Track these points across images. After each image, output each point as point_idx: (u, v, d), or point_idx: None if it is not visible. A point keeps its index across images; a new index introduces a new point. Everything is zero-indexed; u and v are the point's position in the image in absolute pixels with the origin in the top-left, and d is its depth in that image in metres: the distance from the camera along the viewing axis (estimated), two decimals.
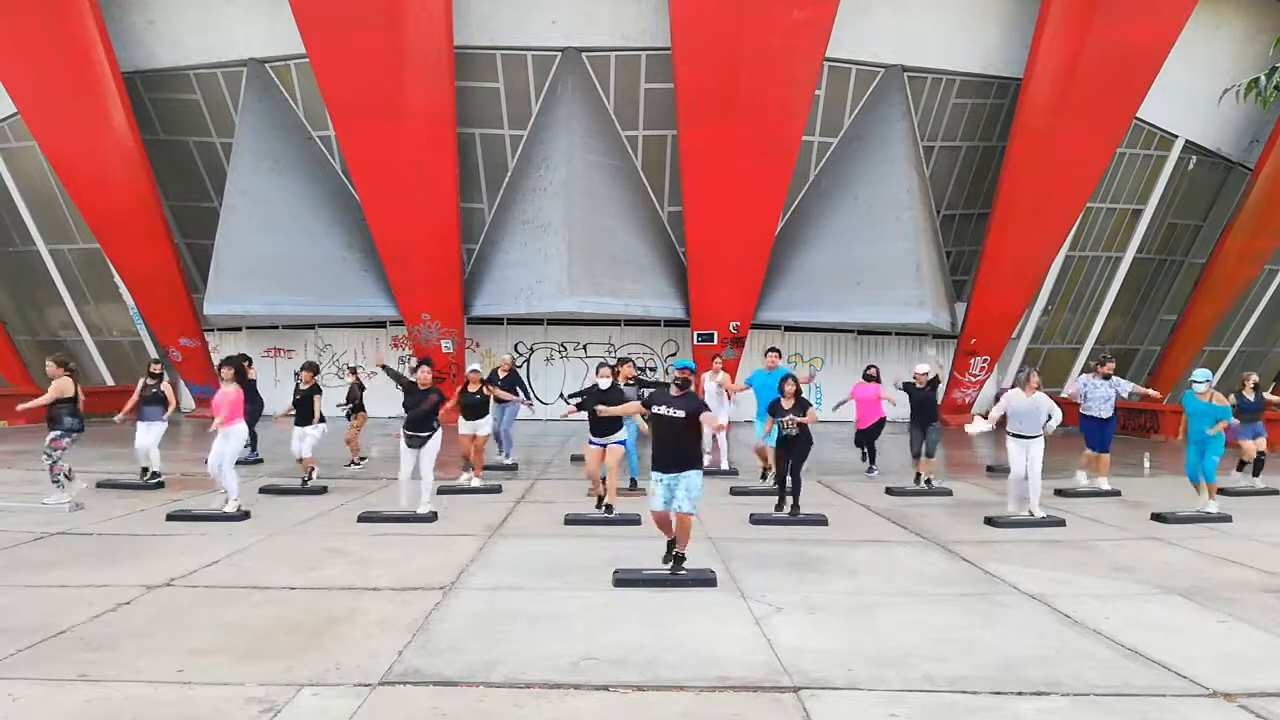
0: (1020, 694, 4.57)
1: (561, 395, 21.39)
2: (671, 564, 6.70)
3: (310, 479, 10.80)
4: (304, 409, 10.87)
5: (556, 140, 18.52)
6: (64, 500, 9.32)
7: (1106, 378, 11.43)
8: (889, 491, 11.00)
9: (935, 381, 11.25)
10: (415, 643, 5.24)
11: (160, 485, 10.83)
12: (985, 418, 9.16)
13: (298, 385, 10.97)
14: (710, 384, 12.51)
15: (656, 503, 6.73)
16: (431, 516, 9.01)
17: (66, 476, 9.47)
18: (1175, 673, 4.87)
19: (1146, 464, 13.07)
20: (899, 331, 21.34)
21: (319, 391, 11.04)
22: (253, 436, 13.82)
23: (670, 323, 20.91)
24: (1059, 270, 20.84)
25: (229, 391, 9.26)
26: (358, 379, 13.39)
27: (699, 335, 19.50)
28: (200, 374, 20.48)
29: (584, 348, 21.60)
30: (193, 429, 18.14)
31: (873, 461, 12.73)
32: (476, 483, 10.92)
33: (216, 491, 9.46)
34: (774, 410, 9.24)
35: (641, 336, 21.57)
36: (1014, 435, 9.19)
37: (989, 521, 9.14)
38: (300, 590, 6.40)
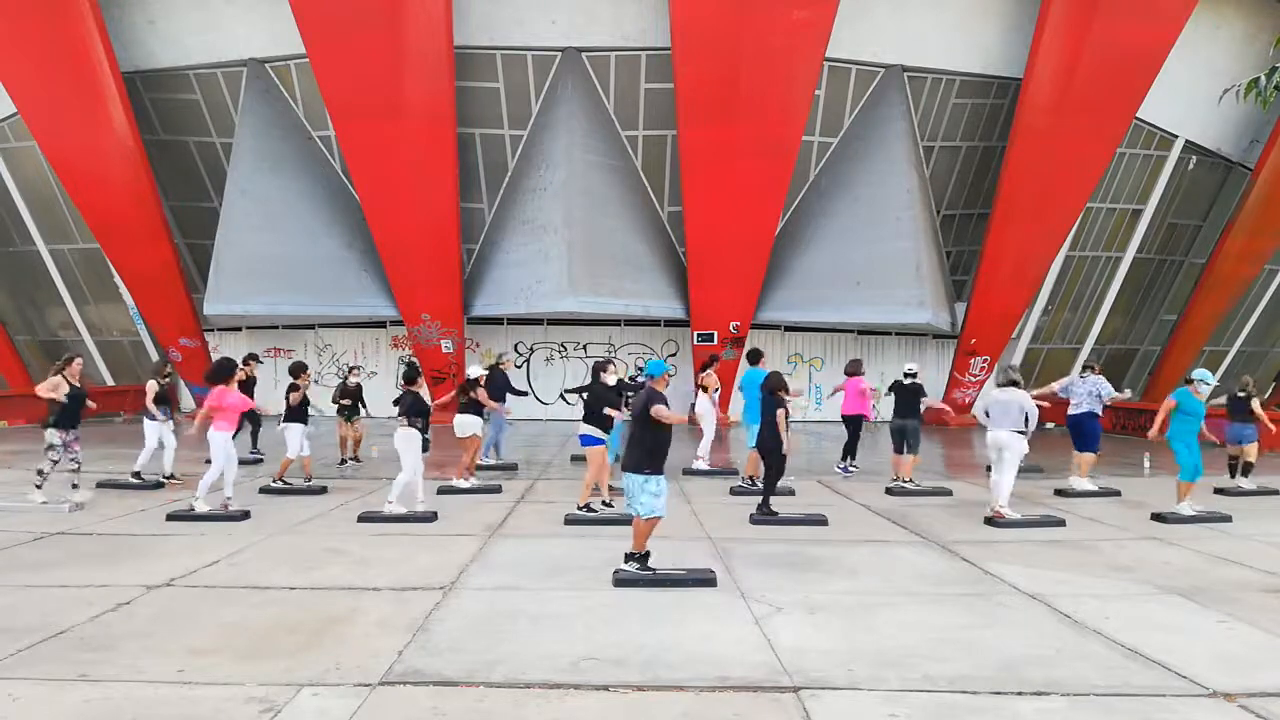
0: (1020, 694, 4.57)
1: (563, 395, 21.43)
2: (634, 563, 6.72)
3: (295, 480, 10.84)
4: (301, 408, 10.89)
5: (556, 140, 18.51)
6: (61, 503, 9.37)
7: (1081, 376, 11.58)
8: (889, 491, 11.00)
9: (919, 387, 11.37)
10: (415, 643, 5.24)
11: (160, 485, 10.83)
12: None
13: (301, 387, 10.96)
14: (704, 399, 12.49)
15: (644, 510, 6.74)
16: (431, 516, 9.02)
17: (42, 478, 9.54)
18: (1175, 673, 4.88)
19: (1146, 464, 13.07)
20: (899, 331, 21.33)
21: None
22: (254, 435, 13.82)
23: (670, 323, 20.91)
24: (1059, 270, 20.84)
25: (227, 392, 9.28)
26: (358, 379, 13.42)
27: (699, 335, 19.50)
28: (200, 374, 20.44)
29: (584, 348, 21.60)
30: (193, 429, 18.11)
31: (853, 458, 12.76)
32: (473, 482, 10.90)
33: (216, 492, 9.47)
34: (774, 384, 9.24)
35: (641, 336, 21.56)
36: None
37: (989, 521, 9.14)
38: (300, 590, 6.40)
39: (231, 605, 5.98)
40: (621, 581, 6.58)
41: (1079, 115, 17.49)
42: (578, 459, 13.82)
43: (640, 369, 9.78)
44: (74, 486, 9.66)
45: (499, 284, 19.25)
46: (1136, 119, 18.63)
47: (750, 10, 16.26)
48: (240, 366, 13.41)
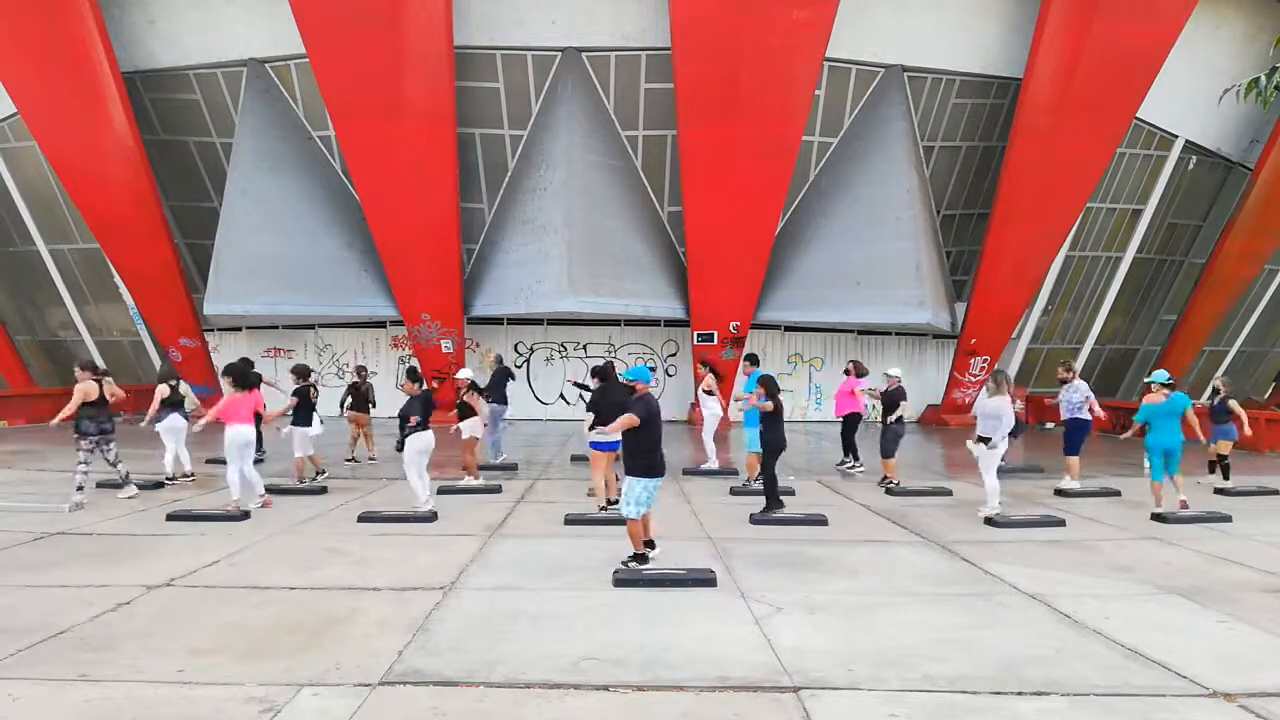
0: (1020, 694, 4.57)
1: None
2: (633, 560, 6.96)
3: (316, 476, 10.90)
4: (306, 409, 10.95)
5: (556, 140, 18.51)
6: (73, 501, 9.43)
7: (1064, 382, 11.62)
8: (889, 491, 11.01)
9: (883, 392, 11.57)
10: (415, 643, 5.24)
11: (160, 485, 10.84)
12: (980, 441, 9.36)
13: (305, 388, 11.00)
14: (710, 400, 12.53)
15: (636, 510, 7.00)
16: (431, 516, 9.02)
17: (79, 487, 9.59)
18: (1175, 673, 4.88)
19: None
20: (899, 331, 21.34)
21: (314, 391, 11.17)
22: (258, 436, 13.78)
23: (670, 323, 20.91)
24: (1059, 270, 20.84)
25: (240, 396, 9.37)
26: (364, 379, 13.43)
27: (699, 335, 19.50)
28: (200, 374, 20.46)
29: (584, 348, 21.60)
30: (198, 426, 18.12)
31: (856, 458, 12.82)
32: (476, 483, 10.92)
33: (217, 491, 9.48)
34: (767, 384, 9.36)
35: (641, 336, 21.57)
36: (980, 438, 9.39)
37: (989, 521, 9.15)
38: (300, 590, 6.40)
39: (231, 605, 5.98)
40: (621, 581, 6.59)
41: (1079, 115, 17.49)
42: (578, 459, 13.84)
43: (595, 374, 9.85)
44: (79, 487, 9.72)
45: (499, 284, 19.25)
46: (1136, 119, 18.63)
47: (750, 10, 16.26)
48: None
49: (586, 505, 9.67)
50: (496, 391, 12.95)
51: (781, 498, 9.36)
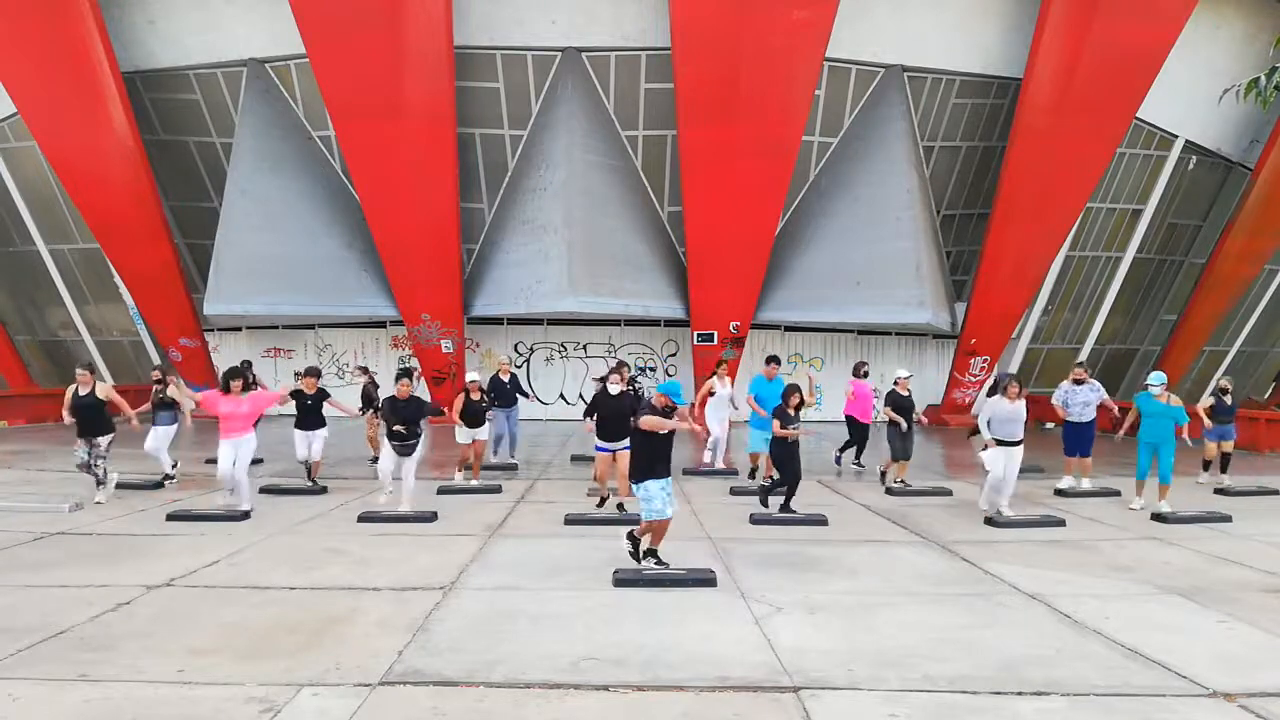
0: (1020, 694, 4.57)
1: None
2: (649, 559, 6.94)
3: (314, 480, 10.86)
4: (312, 413, 10.85)
5: (556, 140, 18.51)
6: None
7: (1079, 382, 11.55)
8: (889, 491, 11.01)
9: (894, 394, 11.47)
10: (415, 643, 5.24)
11: (160, 485, 10.84)
12: (986, 446, 9.34)
13: (302, 391, 10.90)
14: (723, 390, 12.48)
15: (669, 509, 6.94)
16: (431, 516, 9.02)
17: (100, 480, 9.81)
18: (1175, 673, 4.88)
19: None
20: (899, 331, 21.34)
21: (326, 395, 11.03)
22: None
23: (670, 323, 20.91)
24: (1059, 270, 20.84)
25: (244, 398, 9.36)
26: (371, 378, 13.40)
27: (699, 335, 19.49)
28: (200, 374, 20.47)
29: (584, 348, 21.60)
30: (194, 429, 18.10)
31: (857, 458, 12.90)
32: (475, 483, 10.93)
33: (217, 491, 9.48)
34: (780, 416, 9.25)
35: (641, 336, 21.57)
36: (998, 441, 9.24)
37: (989, 521, 9.16)
38: (300, 590, 6.40)
39: (231, 605, 5.98)
40: (621, 581, 6.59)
41: (1079, 115, 17.49)
42: (578, 459, 13.84)
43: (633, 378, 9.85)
44: (100, 485, 9.88)
45: (499, 284, 19.25)
46: (1136, 119, 18.63)
47: (750, 10, 16.25)
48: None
49: (586, 505, 9.67)
50: (507, 397, 12.98)
51: (770, 503, 9.38)
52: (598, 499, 9.61)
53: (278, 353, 21.72)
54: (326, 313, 19.99)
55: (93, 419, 9.85)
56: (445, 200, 18.05)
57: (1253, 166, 20.62)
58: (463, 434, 10.90)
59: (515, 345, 21.53)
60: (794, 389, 9.30)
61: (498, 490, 10.89)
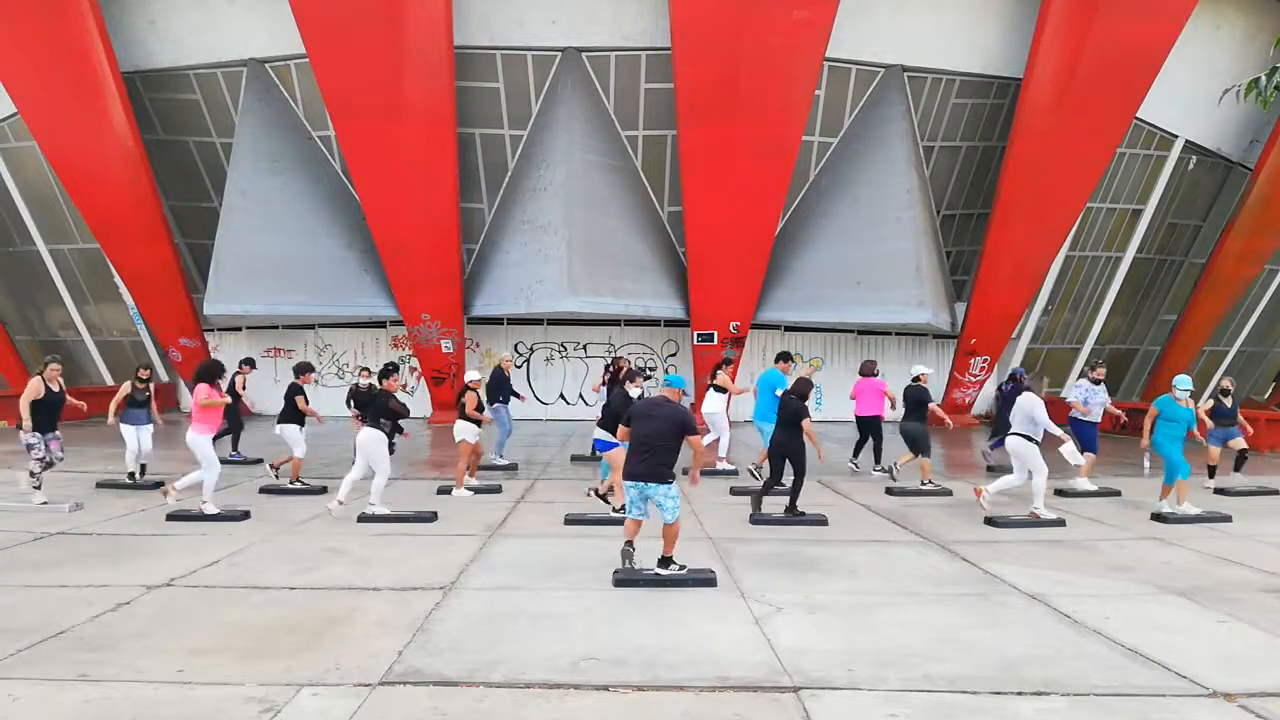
0: (1020, 694, 4.57)
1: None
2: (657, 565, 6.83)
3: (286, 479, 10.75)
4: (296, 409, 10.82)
5: (556, 140, 18.50)
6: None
7: (1097, 382, 11.57)
8: (889, 491, 11.00)
9: (921, 390, 11.39)
10: (415, 643, 5.24)
11: (159, 485, 10.81)
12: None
13: (301, 387, 10.92)
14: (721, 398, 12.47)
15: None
16: (431, 516, 9.02)
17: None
18: (1175, 673, 4.88)
19: (1146, 464, 13.07)
20: (899, 331, 21.33)
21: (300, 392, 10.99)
22: (234, 439, 13.57)
23: (670, 323, 20.90)
24: (1059, 270, 20.83)
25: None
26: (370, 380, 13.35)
27: (699, 335, 19.49)
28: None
29: (584, 348, 21.60)
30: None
31: (877, 461, 12.74)
32: (476, 483, 10.92)
33: (218, 491, 9.46)
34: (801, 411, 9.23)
35: (641, 336, 21.56)
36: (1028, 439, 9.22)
37: (989, 521, 9.15)
38: (300, 590, 6.40)
39: (231, 605, 5.98)
40: (621, 581, 6.59)
41: (1079, 115, 17.48)
42: (578, 459, 13.84)
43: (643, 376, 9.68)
44: (36, 487, 9.56)
45: (499, 284, 19.24)
46: (1136, 119, 18.62)
47: (750, 10, 16.25)
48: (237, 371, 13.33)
49: (586, 505, 9.65)
50: (500, 394, 12.97)
51: (765, 503, 9.33)
52: (613, 503, 9.29)
53: (278, 353, 21.71)
54: (326, 313, 19.99)
55: (55, 414, 9.77)
56: (445, 200, 18.05)
57: (1253, 166, 20.61)
58: (470, 433, 10.89)
59: (515, 345, 21.53)
60: (805, 380, 9.36)
61: (498, 490, 10.89)
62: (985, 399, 21.84)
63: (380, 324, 21.22)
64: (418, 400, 21.01)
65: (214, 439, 9.35)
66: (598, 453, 9.83)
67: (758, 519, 9.07)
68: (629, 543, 6.80)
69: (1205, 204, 21.72)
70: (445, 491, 10.57)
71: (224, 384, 10.06)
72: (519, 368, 21.28)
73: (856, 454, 12.97)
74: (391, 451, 9.24)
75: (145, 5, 18.21)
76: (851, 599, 6.31)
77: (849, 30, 17.32)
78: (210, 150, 19.79)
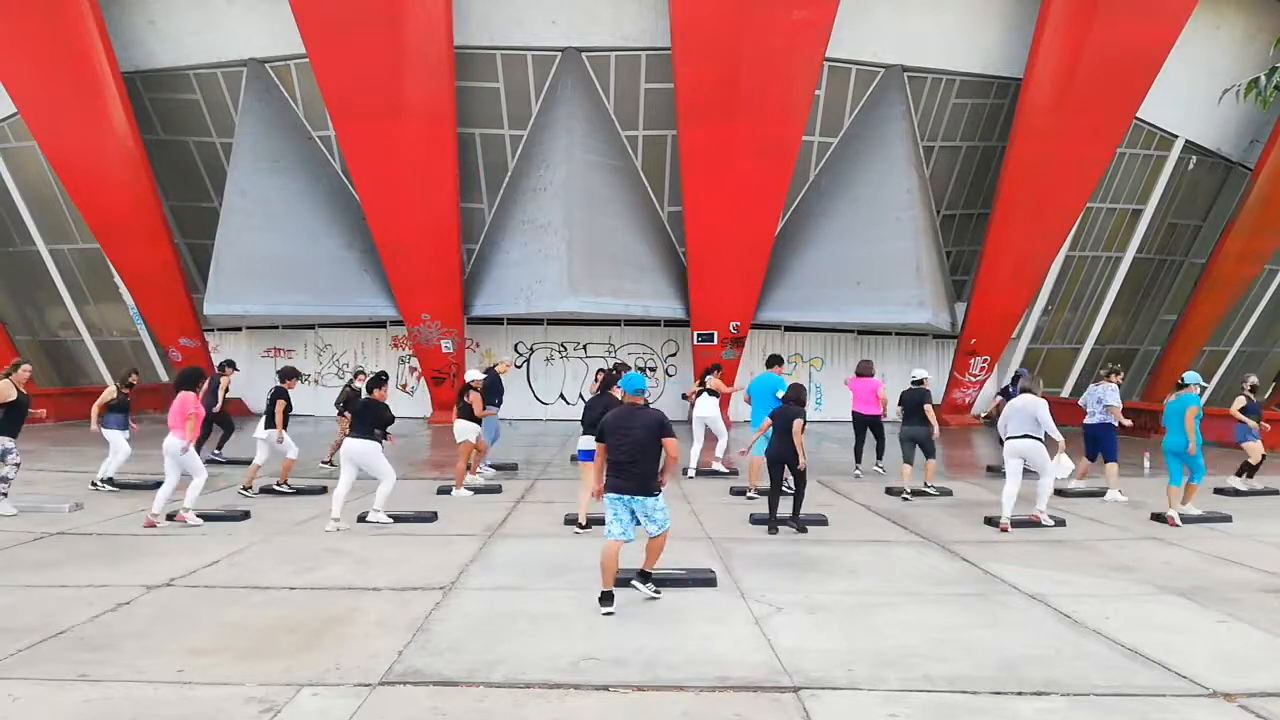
0: (1020, 694, 4.57)
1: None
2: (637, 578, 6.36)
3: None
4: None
5: (556, 140, 18.51)
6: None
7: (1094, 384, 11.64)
8: (889, 491, 11.00)
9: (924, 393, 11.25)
10: (415, 643, 5.24)
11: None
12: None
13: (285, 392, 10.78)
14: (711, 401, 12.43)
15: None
16: (431, 516, 9.02)
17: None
18: (1175, 673, 4.88)
19: (1146, 464, 13.07)
20: (899, 331, 21.34)
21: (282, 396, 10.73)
22: (223, 440, 13.48)
23: (670, 323, 20.91)
24: (1059, 270, 20.84)
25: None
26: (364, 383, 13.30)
27: (699, 335, 19.49)
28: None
29: (584, 348, 21.60)
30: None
31: (879, 459, 12.70)
32: (477, 483, 10.93)
33: (217, 491, 9.47)
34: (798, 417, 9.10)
35: (641, 336, 21.57)
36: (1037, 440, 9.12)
37: (989, 521, 9.15)
38: (300, 590, 6.40)
39: (231, 605, 5.98)
40: (621, 581, 6.57)
41: (1079, 115, 17.48)
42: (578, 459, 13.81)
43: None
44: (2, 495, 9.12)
45: (499, 284, 19.24)
46: (1136, 119, 18.62)
47: (750, 10, 16.25)
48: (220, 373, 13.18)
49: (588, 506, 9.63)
50: (494, 396, 12.94)
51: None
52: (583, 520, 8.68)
53: (277, 353, 21.72)
54: (326, 313, 20.00)
55: (21, 418, 9.41)
56: (445, 200, 18.05)
57: (1253, 166, 20.61)
58: (470, 432, 10.89)
59: (515, 345, 21.53)
60: (799, 385, 9.22)
61: (498, 490, 10.89)
62: (985, 399, 21.84)
63: (380, 324, 21.22)
64: (418, 400, 21.04)
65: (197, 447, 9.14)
66: (579, 462, 9.30)
67: (758, 519, 9.05)
68: (608, 594, 6.01)
69: (1205, 204, 21.72)
70: (445, 491, 10.57)
71: (205, 387, 9.77)
72: (519, 368, 21.28)
73: (859, 459, 12.80)
74: None
75: (145, 5, 18.21)
76: (851, 599, 6.31)
77: (849, 30, 17.32)
78: (210, 150, 19.80)
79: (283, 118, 19.10)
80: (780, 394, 9.55)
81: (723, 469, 12.45)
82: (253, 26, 18.21)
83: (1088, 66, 17.24)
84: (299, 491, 10.52)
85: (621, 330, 21.44)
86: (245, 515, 9.00)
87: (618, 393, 6.85)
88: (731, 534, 8.49)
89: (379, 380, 9.23)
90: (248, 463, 12.84)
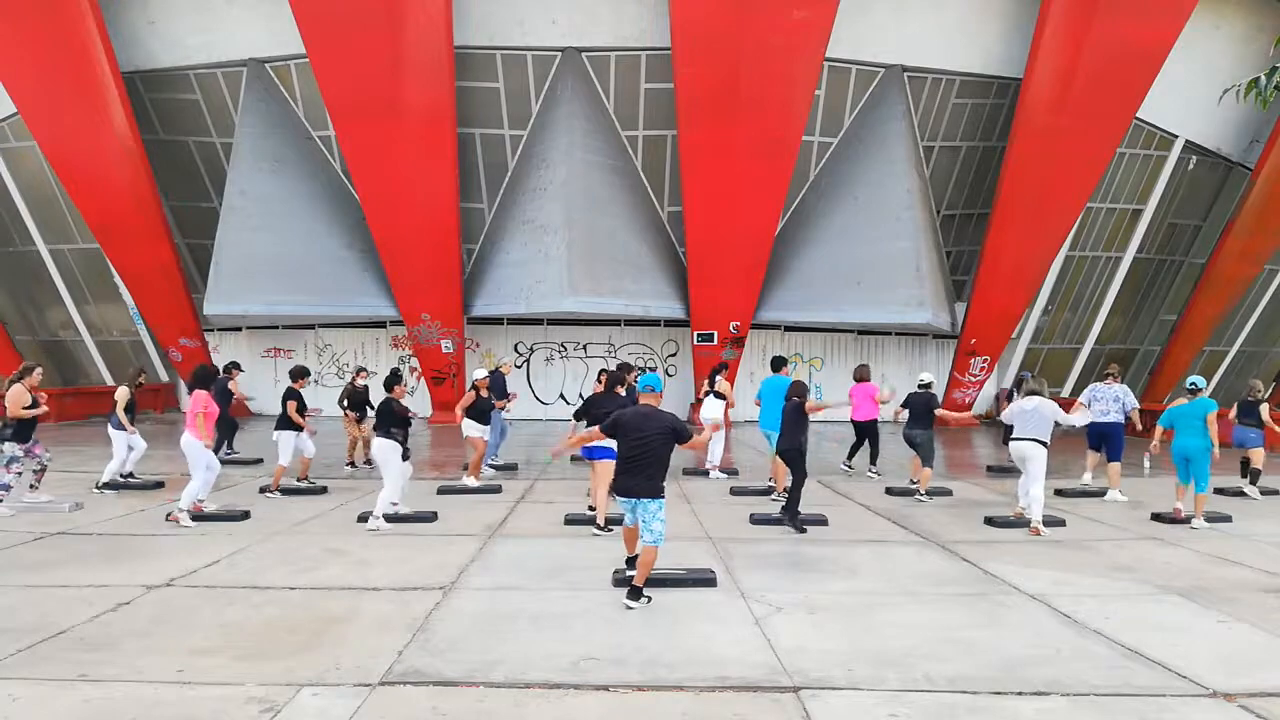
0: (1020, 694, 4.57)
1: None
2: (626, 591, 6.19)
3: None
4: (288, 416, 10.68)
5: (556, 140, 18.51)
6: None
7: (1105, 383, 11.59)
8: (889, 491, 11.00)
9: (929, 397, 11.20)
10: (415, 643, 5.24)
11: (160, 485, 10.82)
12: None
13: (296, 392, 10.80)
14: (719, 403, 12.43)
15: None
16: (431, 516, 9.02)
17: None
18: (1175, 673, 4.88)
19: (1146, 464, 13.06)
20: (899, 331, 21.34)
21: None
22: (229, 440, 13.47)
23: (670, 323, 20.91)
24: (1059, 270, 20.84)
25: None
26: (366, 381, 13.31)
27: (699, 335, 19.49)
28: None
29: (584, 348, 21.60)
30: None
31: (873, 463, 12.72)
32: (476, 483, 10.93)
33: (218, 491, 9.47)
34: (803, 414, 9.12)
35: (641, 336, 21.57)
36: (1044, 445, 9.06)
37: (989, 521, 9.15)
38: (300, 590, 6.40)
39: (231, 605, 5.98)
40: (621, 582, 6.57)
41: (1079, 115, 17.48)
42: (578, 459, 13.81)
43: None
44: (32, 487, 9.44)
45: (499, 284, 19.25)
46: (1136, 119, 18.63)
47: (750, 10, 16.25)
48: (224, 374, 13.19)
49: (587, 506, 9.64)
50: (498, 395, 12.97)
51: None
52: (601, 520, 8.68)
53: (278, 353, 21.72)
54: (326, 313, 20.00)
55: (34, 422, 9.55)
56: (445, 200, 18.05)
57: (1253, 166, 20.61)
58: (473, 429, 10.90)
59: (515, 345, 21.53)
60: (800, 383, 9.28)
61: (498, 490, 10.90)
62: (985, 399, 21.86)
63: (380, 324, 21.23)
64: (418, 400, 21.02)
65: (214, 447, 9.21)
66: (589, 460, 9.23)
67: (758, 519, 9.05)
68: (632, 559, 6.39)
69: (1205, 204, 21.72)
70: (445, 491, 10.57)
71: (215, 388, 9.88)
72: (519, 368, 21.29)
73: (851, 456, 12.94)
74: (406, 458, 9.12)
75: (145, 5, 18.22)
76: (851, 599, 6.31)
77: (849, 30, 17.33)
78: (210, 150, 19.80)
79: (283, 118, 19.11)
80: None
81: (718, 475, 12.42)
82: (253, 27, 18.22)
83: (1088, 66, 17.25)
84: (320, 490, 10.53)
85: (621, 330, 21.44)
86: (245, 515, 9.00)
87: (620, 392, 6.85)
88: (731, 534, 8.49)
89: (396, 378, 9.34)
90: (248, 462, 12.94)
